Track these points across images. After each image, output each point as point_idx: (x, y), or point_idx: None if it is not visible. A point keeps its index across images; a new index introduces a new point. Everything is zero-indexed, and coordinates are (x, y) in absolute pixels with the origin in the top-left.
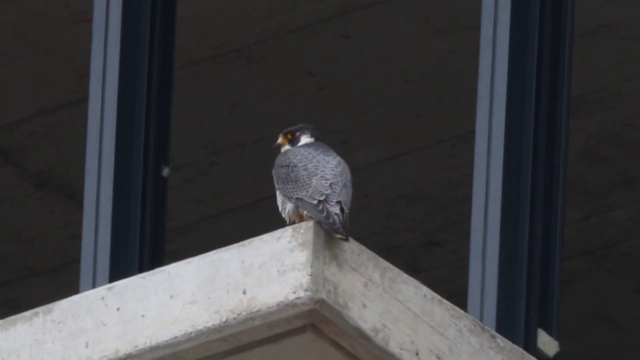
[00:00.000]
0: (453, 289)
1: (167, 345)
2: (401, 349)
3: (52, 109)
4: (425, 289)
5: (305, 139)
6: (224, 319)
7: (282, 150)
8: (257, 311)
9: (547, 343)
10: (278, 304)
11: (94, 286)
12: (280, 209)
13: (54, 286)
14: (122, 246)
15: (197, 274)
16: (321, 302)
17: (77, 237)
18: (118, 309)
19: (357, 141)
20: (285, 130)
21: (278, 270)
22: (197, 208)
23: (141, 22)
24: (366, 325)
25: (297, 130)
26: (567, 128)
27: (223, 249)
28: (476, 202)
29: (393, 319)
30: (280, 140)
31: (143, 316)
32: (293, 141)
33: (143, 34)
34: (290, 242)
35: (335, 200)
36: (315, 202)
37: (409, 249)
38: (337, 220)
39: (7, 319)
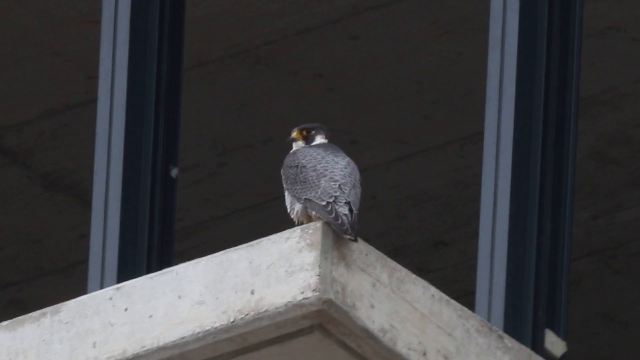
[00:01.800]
0: (461, 289)
1: (174, 345)
2: (409, 349)
3: (61, 110)
4: (433, 289)
5: (320, 139)
6: (231, 320)
7: (295, 145)
8: (265, 311)
9: (554, 343)
10: (286, 305)
11: (101, 287)
12: (288, 210)
13: (62, 287)
14: (130, 247)
15: (205, 274)
16: (329, 302)
17: (85, 237)
18: (126, 310)
19: (366, 142)
20: (301, 126)
21: (286, 271)
22: (206, 208)
23: (150, 23)
24: (374, 326)
25: (314, 129)
26: (576, 129)
27: (231, 249)
28: (484, 202)
29: (401, 319)
30: (294, 134)
31: (151, 316)
32: (308, 139)
33: (152, 35)
34: (298, 242)
35: (344, 201)
36: (324, 203)
37: (417, 249)
38: (346, 221)
39: (15, 319)
